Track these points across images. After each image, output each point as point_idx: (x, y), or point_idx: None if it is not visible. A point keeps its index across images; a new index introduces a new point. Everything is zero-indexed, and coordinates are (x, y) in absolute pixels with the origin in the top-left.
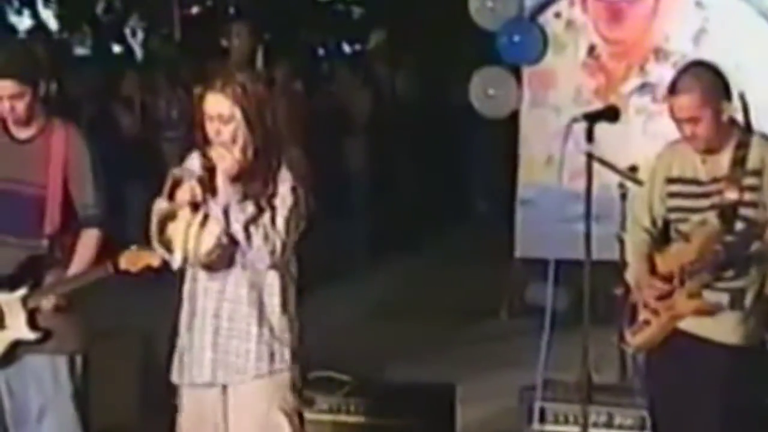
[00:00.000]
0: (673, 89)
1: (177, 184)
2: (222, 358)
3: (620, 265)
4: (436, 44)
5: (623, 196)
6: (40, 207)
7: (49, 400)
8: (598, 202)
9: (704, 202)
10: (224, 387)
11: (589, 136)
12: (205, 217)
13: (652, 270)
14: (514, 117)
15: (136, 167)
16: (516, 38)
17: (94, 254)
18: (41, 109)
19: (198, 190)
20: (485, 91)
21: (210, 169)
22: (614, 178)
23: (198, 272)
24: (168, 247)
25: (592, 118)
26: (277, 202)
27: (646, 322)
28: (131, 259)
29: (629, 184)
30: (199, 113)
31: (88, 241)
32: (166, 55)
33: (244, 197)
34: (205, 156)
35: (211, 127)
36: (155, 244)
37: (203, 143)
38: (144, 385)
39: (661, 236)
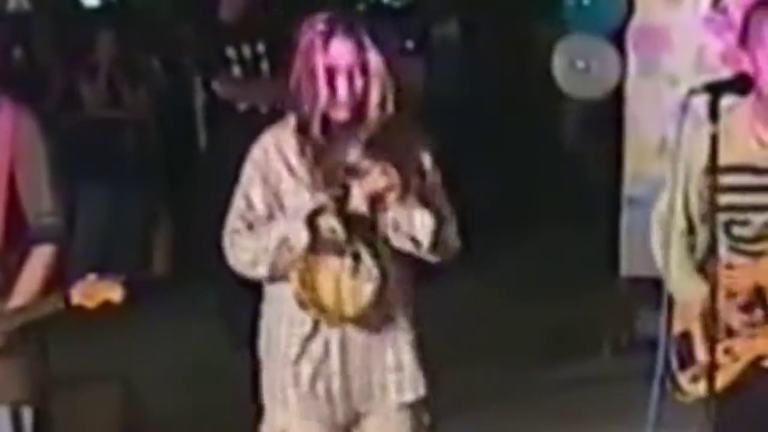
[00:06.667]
0: None
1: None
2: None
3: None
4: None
5: None
6: None
7: None
8: None
9: (766, 198)
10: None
11: (713, 113)
12: (356, 258)
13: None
14: (616, 90)
15: (104, 161)
16: (585, 1)
17: (46, 279)
18: None
19: (339, 228)
20: (573, 64)
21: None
22: None
23: None
24: (320, 305)
25: (717, 89)
26: (430, 178)
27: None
28: (87, 292)
29: None
30: (308, 74)
31: (40, 260)
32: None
33: (405, 187)
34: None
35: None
36: (305, 303)
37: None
38: None
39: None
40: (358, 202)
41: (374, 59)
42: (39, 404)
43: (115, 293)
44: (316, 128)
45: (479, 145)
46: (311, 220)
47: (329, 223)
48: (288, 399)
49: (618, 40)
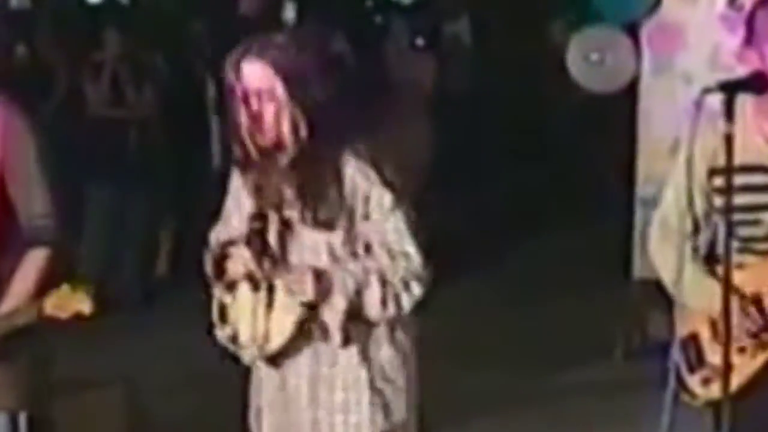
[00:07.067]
0: None
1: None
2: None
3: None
4: None
5: None
6: None
7: None
8: None
9: None
10: None
11: (729, 113)
12: (271, 289)
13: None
14: (629, 88)
15: (107, 160)
16: None
17: (40, 282)
18: None
19: (251, 261)
20: (587, 56)
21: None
22: None
23: None
24: (235, 341)
25: (732, 88)
26: (375, 214)
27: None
28: (60, 302)
29: None
30: (229, 98)
31: (33, 264)
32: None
33: (321, 224)
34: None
35: (246, 111)
36: (220, 333)
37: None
38: None
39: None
40: (278, 232)
41: (280, 86)
42: (36, 411)
43: (84, 305)
44: (239, 153)
45: (490, 143)
46: (223, 253)
47: (242, 255)
48: (260, 425)
49: (633, 34)
